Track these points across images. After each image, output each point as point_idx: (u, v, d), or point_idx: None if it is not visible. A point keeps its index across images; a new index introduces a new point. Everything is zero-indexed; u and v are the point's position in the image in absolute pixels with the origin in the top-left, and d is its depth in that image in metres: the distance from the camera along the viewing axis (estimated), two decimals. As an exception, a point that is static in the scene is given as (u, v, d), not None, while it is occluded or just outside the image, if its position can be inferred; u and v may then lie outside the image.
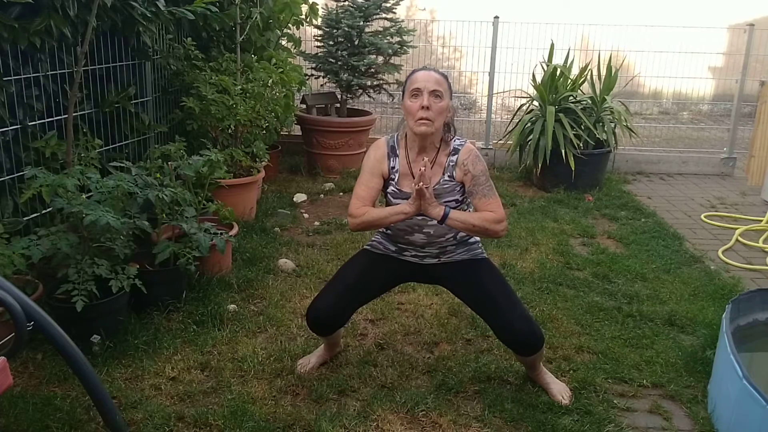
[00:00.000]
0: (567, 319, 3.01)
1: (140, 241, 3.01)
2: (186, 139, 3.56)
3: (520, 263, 3.65)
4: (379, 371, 2.55)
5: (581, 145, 5.04)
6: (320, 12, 5.37)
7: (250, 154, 4.23)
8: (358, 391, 2.43)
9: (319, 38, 5.64)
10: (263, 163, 4.42)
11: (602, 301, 3.21)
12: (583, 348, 2.76)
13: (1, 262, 2.35)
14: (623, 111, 5.40)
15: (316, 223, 4.32)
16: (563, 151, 4.93)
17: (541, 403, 2.36)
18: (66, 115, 2.94)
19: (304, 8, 5.07)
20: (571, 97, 5.26)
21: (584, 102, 5.32)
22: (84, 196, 2.67)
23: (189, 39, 4.08)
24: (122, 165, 3.07)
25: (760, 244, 4.16)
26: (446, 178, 2.30)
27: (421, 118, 2.21)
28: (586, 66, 5.35)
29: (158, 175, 3.07)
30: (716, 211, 4.88)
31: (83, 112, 3.29)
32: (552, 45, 5.45)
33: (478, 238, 2.49)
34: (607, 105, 5.28)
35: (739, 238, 4.24)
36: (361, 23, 5.40)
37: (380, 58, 5.62)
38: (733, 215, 4.78)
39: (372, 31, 5.56)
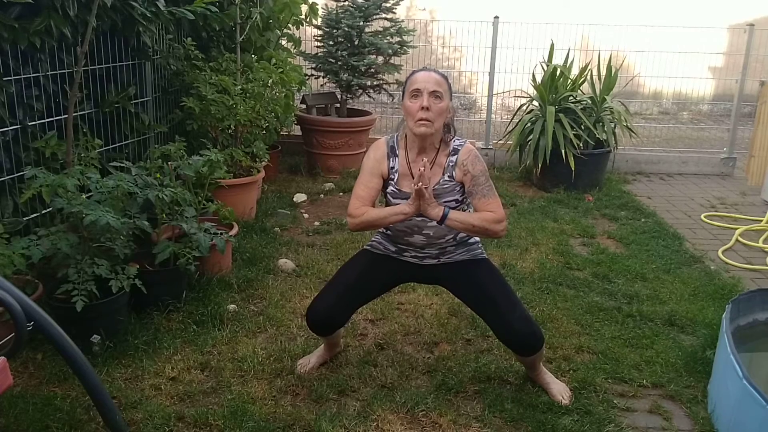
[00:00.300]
0: (567, 319, 3.01)
1: (140, 241, 3.01)
2: (186, 139, 3.56)
3: (520, 263, 3.65)
4: (379, 371, 2.55)
5: (581, 145, 5.04)
6: (320, 12, 5.37)
7: (250, 154, 4.23)
8: (358, 391, 2.43)
9: (319, 38, 5.64)
10: (263, 163, 4.42)
11: (602, 301, 3.21)
12: (583, 348, 2.76)
13: (1, 262, 2.35)
14: (623, 111, 5.40)
15: (316, 223, 4.33)
16: (563, 151, 4.93)
17: (541, 403, 2.36)
18: (66, 115, 2.94)
19: (304, 8, 5.07)
20: (571, 97, 5.26)
21: (584, 102, 5.32)
22: (84, 196, 2.67)
23: (189, 39, 4.08)
24: (122, 165, 3.07)
25: (760, 244, 4.16)
26: (446, 178, 2.30)
27: (421, 119, 2.21)
28: (586, 66, 5.35)
29: (158, 175, 3.07)
30: (716, 211, 4.88)
31: (83, 112, 3.29)
32: (552, 45, 5.45)
33: (477, 239, 2.49)
34: (607, 105, 5.28)
35: (739, 238, 4.24)
36: (361, 23, 5.40)
37: (380, 58, 5.62)
38: (733, 215, 4.78)
39: (372, 31, 5.56)
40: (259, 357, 2.61)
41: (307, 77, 5.46)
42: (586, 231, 4.24)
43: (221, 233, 3.15)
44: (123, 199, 2.77)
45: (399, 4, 5.62)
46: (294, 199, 4.75)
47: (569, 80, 5.31)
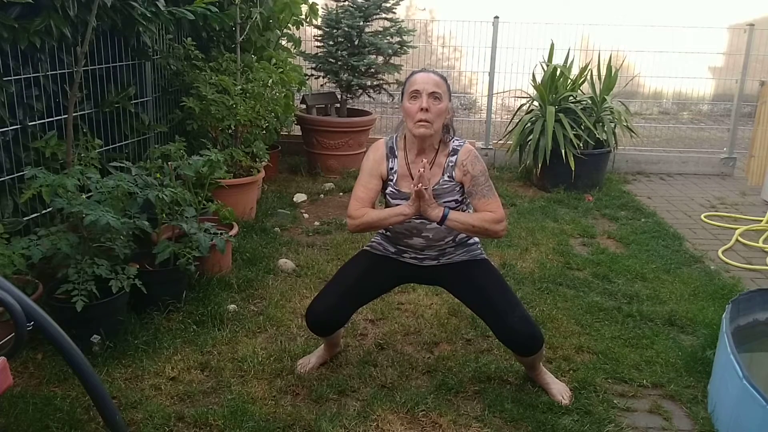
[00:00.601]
0: (567, 319, 3.01)
1: (140, 241, 3.02)
2: (186, 139, 3.56)
3: (520, 263, 3.65)
4: (379, 371, 2.55)
5: (581, 145, 5.04)
6: (320, 12, 5.37)
7: (250, 154, 4.23)
8: (358, 391, 2.43)
9: (319, 38, 5.64)
10: (263, 163, 4.42)
11: (602, 301, 3.21)
12: (583, 348, 2.76)
13: (1, 262, 2.35)
14: (623, 111, 5.40)
15: (316, 223, 4.33)
16: (563, 151, 4.93)
17: (541, 403, 2.36)
18: (66, 115, 2.94)
19: (304, 8, 5.07)
20: (571, 97, 5.26)
21: (584, 102, 5.32)
22: (84, 196, 2.67)
23: (189, 39, 4.08)
24: (122, 165, 3.07)
25: (760, 244, 4.16)
26: (446, 178, 2.30)
27: (420, 120, 2.21)
28: (586, 66, 5.35)
29: (158, 175, 3.07)
30: (716, 211, 4.88)
31: (83, 112, 3.29)
32: (552, 45, 5.45)
33: (477, 240, 2.49)
34: (607, 105, 5.28)
35: (739, 238, 4.24)
36: (361, 23, 5.40)
37: (380, 58, 5.62)
38: (733, 215, 4.78)
39: (372, 31, 5.56)
40: (259, 357, 2.61)
41: (307, 77, 5.47)
42: (586, 231, 4.24)
43: (221, 233, 3.15)
44: (123, 199, 2.77)
45: (399, 4, 5.62)
46: (294, 199, 4.75)
47: (569, 80, 5.31)
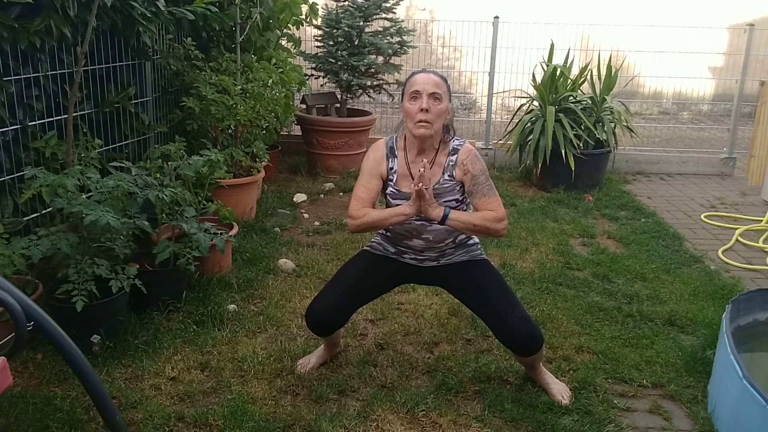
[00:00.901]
0: (567, 319, 3.01)
1: (140, 241, 3.02)
2: (186, 139, 3.56)
3: (520, 263, 3.65)
4: (379, 371, 2.55)
5: (581, 145, 5.04)
6: (320, 12, 5.37)
7: (250, 154, 4.23)
8: (358, 391, 2.43)
9: (319, 38, 5.64)
10: (263, 163, 4.42)
11: (602, 301, 3.21)
12: (583, 348, 2.76)
13: (1, 262, 2.35)
14: (623, 111, 5.40)
15: (316, 223, 4.33)
16: (563, 151, 4.93)
17: (541, 403, 2.36)
18: (66, 115, 2.94)
19: (304, 8, 5.07)
20: (571, 97, 5.26)
21: (584, 102, 5.32)
22: (84, 196, 2.67)
23: (189, 39, 4.08)
24: (122, 165, 3.07)
25: (760, 244, 4.16)
26: (446, 177, 2.30)
27: (420, 121, 2.21)
28: (586, 66, 5.35)
29: (158, 175, 3.07)
30: (716, 211, 4.88)
31: (83, 112, 3.29)
32: (552, 45, 5.45)
33: (477, 240, 2.49)
34: (607, 105, 5.28)
35: (739, 238, 4.24)
36: (361, 23, 5.40)
37: (380, 58, 5.62)
38: (733, 215, 4.78)
39: (372, 31, 5.56)
40: (259, 357, 2.61)
41: (307, 77, 5.47)
42: (586, 231, 4.24)
43: (221, 233, 3.15)
44: (123, 199, 2.77)
45: (399, 4, 5.62)
46: (294, 199, 4.75)
47: (569, 80, 5.31)
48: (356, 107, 6.08)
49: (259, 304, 3.13)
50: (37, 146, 2.93)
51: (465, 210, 2.37)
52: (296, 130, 5.82)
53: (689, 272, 3.62)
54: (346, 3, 5.55)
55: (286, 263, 3.53)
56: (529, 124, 5.24)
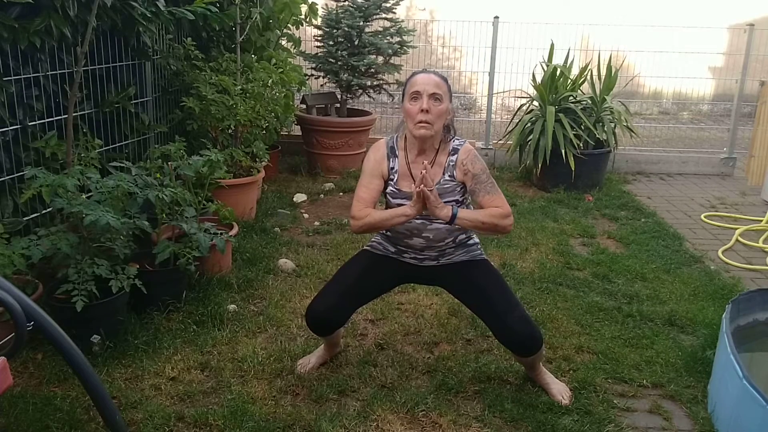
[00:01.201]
0: (567, 319, 3.01)
1: (140, 241, 3.01)
2: (186, 139, 3.56)
3: (520, 263, 3.65)
4: (379, 371, 2.55)
5: (581, 145, 5.04)
6: (320, 12, 5.37)
7: (250, 154, 4.23)
8: (358, 391, 2.43)
9: (319, 38, 5.64)
10: (263, 163, 4.42)
11: (602, 301, 3.21)
12: (583, 348, 2.76)
13: (1, 262, 2.35)
14: (623, 111, 5.40)
15: (316, 223, 4.33)
16: (563, 151, 4.93)
17: (541, 403, 2.36)
18: (66, 115, 2.94)
19: (304, 8, 5.07)
20: (571, 97, 5.26)
21: (584, 102, 5.32)
22: (84, 196, 2.67)
23: (189, 39, 4.08)
24: (122, 165, 3.07)
25: (760, 244, 4.16)
26: (446, 177, 2.31)
27: (421, 122, 2.21)
28: (586, 66, 5.35)
29: (158, 175, 3.07)
30: (716, 211, 4.88)
31: (83, 112, 3.29)
32: (552, 45, 5.45)
33: (477, 240, 2.49)
34: (607, 105, 5.28)
35: (739, 238, 4.24)
36: (361, 23, 5.40)
37: (380, 58, 5.62)
38: (733, 215, 4.78)
39: (372, 31, 5.56)
40: (259, 357, 2.61)
41: (307, 77, 5.47)
42: (586, 231, 4.24)
43: (221, 233, 3.15)
44: (123, 199, 2.77)
45: (399, 4, 5.62)
46: (294, 199, 4.75)
47: (569, 80, 5.31)
48: (356, 107, 6.08)
49: (259, 304, 3.13)
50: (37, 146, 2.94)
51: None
52: (296, 130, 5.82)
53: (689, 272, 3.62)
54: (346, 3, 5.55)
55: (286, 263, 3.53)
56: (529, 124, 5.24)
